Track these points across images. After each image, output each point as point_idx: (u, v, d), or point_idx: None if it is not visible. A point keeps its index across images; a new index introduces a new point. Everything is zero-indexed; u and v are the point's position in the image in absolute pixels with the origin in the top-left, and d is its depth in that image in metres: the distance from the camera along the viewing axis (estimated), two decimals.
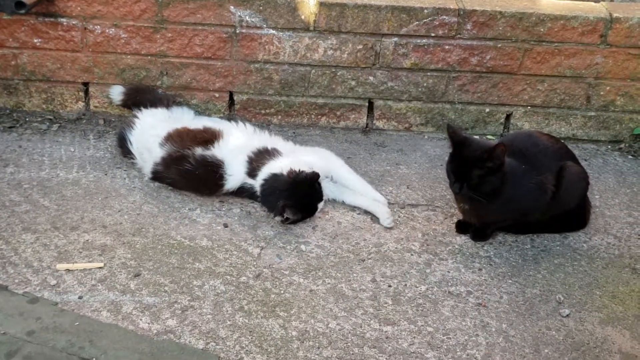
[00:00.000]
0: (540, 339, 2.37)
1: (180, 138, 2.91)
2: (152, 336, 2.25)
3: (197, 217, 2.82)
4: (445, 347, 2.31)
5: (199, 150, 2.86)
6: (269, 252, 2.67)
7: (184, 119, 3.14)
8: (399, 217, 2.92)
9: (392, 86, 3.39)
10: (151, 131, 2.97)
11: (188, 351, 2.21)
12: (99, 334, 2.24)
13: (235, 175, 2.86)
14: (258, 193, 2.85)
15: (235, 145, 2.92)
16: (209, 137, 2.92)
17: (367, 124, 3.50)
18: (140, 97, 3.24)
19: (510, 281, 2.62)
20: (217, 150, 2.87)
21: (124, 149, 3.08)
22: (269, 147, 2.93)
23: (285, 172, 2.76)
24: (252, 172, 2.86)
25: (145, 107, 3.16)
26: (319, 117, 3.47)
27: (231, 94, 3.41)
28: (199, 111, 3.37)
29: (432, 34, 3.26)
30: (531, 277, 2.65)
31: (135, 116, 3.10)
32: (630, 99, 3.43)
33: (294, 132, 3.42)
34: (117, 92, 3.30)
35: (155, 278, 2.49)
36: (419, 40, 3.28)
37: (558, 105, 3.46)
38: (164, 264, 2.56)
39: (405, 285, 2.56)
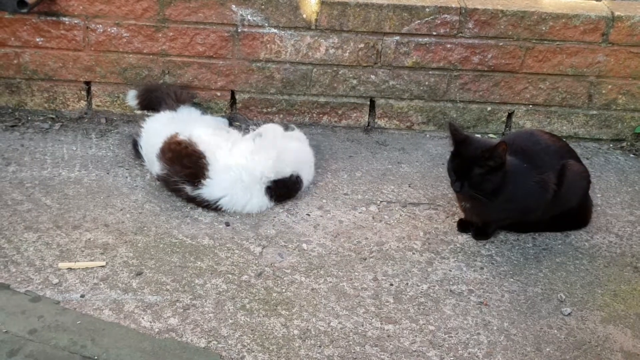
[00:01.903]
0: (541, 337, 2.37)
1: (170, 159, 2.84)
2: (154, 335, 2.26)
3: (198, 216, 2.82)
4: (447, 345, 2.31)
5: (188, 189, 2.82)
6: (271, 251, 2.67)
7: (190, 119, 3.08)
8: (401, 215, 2.92)
9: (393, 85, 3.39)
10: (154, 139, 2.94)
11: (190, 350, 2.21)
12: (101, 332, 2.25)
13: (243, 201, 2.86)
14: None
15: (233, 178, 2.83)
16: (196, 170, 2.80)
17: (368, 123, 3.50)
18: (152, 96, 3.24)
19: (511, 280, 2.62)
20: (209, 190, 2.81)
21: (137, 153, 3.09)
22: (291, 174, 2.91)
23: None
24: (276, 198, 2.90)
25: (156, 108, 3.18)
26: (321, 115, 3.47)
27: (233, 93, 3.41)
28: (201, 109, 3.36)
29: (434, 33, 3.26)
30: (533, 275, 2.65)
31: (141, 126, 3.08)
32: (632, 97, 3.43)
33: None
34: (132, 97, 3.29)
35: (157, 277, 2.50)
36: (420, 39, 3.28)
37: (560, 104, 3.46)
38: (165, 263, 2.56)
39: (407, 283, 2.56)
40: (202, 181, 2.78)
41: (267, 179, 2.83)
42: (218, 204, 2.81)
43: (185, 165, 2.80)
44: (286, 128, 3.19)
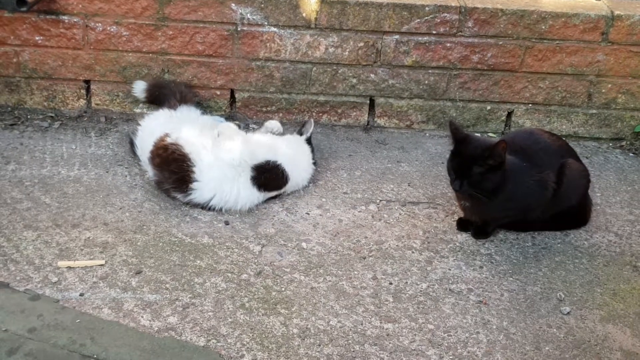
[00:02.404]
0: (541, 336, 2.37)
1: (159, 165, 2.84)
2: (153, 333, 2.26)
3: (198, 215, 2.82)
4: (446, 344, 2.31)
5: (180, 197, 2.83)
6: (270, 250, 2.67)
7: (188, 119, 3.09)
8: (400, 214, 2.92)
9: (393, 84, 3.39)
10: (149, 139, 2.94)
11: (189, 348, 2.21)
12: (100, 331, 2.25)
13: (238, 196, 2.85)
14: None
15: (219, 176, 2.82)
16: (181, 176, 2.80)
17: (368, 122, 3.50)
18: (160, 92, 3.25)
19: (511, 279, 2.62)
20: (199, 193, 2.81)
21: (133, 152, 3.10)
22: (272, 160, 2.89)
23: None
24: (264, 186, 2.88)
25: (160, 104, 3.20)
26: (320, 114, 3.47)
27: (232, 92, 3.41)
28: (201, 109, 3.36)
29: (434, 32, 3.26)
30: (532, 274, 2.65)
31: (139, 124, 3.10)
32: (631, 96, 3.43)
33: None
34: (139, 89, 3.30)
35: (157, 275, 2.50)
36: (420, 38, 3.28)
37: (559, 103, 3.46)
38: (165, 262, 2.56)
39: (406, 282, 2.56)
40: (190, 186, 2.78)
41: (245, 163, 2.80)
42: (210, 204, 2.82)
43: (173, 171, 2.79)
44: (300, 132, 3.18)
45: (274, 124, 3.20)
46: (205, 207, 2.83)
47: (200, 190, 2.79)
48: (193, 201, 2.82)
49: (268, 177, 2.86)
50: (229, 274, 2.53)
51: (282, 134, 3.17)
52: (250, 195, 2.84)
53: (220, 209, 2.83)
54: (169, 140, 2.85)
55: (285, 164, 2.90)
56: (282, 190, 2.95)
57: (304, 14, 3.21)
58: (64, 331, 2.23)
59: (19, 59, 3.27)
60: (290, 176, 2.93)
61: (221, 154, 2.82)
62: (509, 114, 3.49)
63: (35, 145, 3.17)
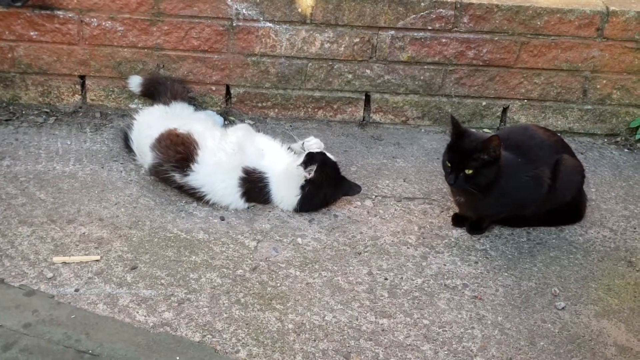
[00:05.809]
0: (535, 331, 2.38)
1: (166, 146, 2.86)
2: (148, 329, 2.26)
3: (193, 210, 2.82)
4: (441, 339, 2.32)
5: (177, 177, 2.83)
6: (266, 245, 2.67)
7: (183, 114, 3.10)
8: (395, 210, 2.93)
9: (388, 79, 3.39)
10: (147, 131, 2.96)
11: (184, 344, 2.21)
12: (95, 326, 2.25)
13: (224, 198, 2.85)
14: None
15: (215, 168, 2.83)
16: (186, 155, 2.83)
17: (363, 118, 3.50)
18: (155, 88, 3.26)
19: (506, 274, 2.63)
20: (195, 177, 2.82)
21: (128, 147, 3.10)
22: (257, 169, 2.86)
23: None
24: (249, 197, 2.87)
25: (154, 99, 3.22)
26: (316, 110, 3.46)
27: (228, 87, 3.40)
28: (196, 104, 3.36)
29: (429, 27, 3.26)
30: (527, 270, 2.66)
31: (133, 118, 3.10)
32: (626, 92, 3.44)
33: (290, 126, 3.42)
34: (135, 83, 3.30)
35: (152, 271, 2.49)
36: (415, 34, 3.28)
37: (554, 99, 3.46)
38: (160, 257, 2.56)
39: (402, 278, 2.57)
40: (191, 166, 2.80)
41: (238, 158, 2.82)
42: (201, 191, 2.82)
43: (178, 151, 2.83)
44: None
45: (314, 142, 3.03)
46: (196, 194, 2.83)
47: (197, 174, 2.80)
48: (188, 184, 2.82)
49: (250, 187, 2.84)
50: (225, 270, 2.53)
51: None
52: (235, 196, 2.84)
53: (209, 201, 2.83)
54: (180, 130, 2.89)
55: (273, 182, 2.86)
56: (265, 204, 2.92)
57: (299, 10, 3.21)
58: (59, 327, 2.23)
59: (14, 54, 3.26)
60: (274, 198, 2.89)
61: (223, 141, 2.87)
62: (505, 110, 3.50)
63: (30, 140, 3.16)
